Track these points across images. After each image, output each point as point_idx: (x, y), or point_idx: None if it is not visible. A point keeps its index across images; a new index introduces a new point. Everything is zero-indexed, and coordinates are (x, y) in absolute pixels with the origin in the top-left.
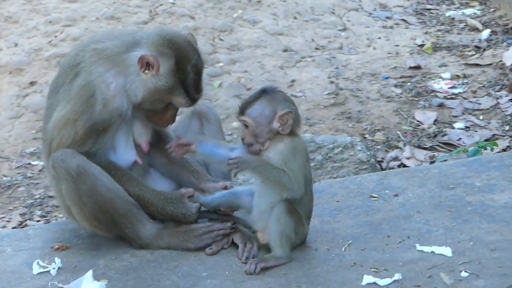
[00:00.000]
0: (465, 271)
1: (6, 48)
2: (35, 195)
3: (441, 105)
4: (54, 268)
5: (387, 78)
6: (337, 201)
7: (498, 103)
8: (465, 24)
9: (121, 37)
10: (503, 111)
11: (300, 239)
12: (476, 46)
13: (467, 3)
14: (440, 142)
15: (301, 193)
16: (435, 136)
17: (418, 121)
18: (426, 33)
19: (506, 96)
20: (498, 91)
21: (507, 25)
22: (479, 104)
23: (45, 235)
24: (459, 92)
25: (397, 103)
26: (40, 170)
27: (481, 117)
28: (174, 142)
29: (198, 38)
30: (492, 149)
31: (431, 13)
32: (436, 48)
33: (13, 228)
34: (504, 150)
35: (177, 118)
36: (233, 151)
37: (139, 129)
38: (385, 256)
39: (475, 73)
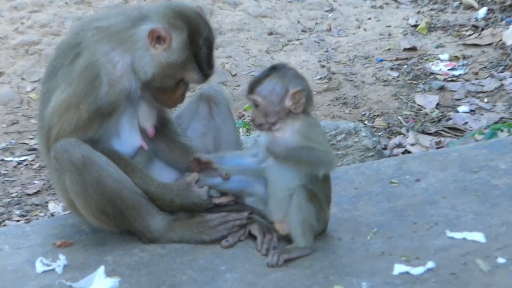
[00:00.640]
0: (502, 257)
1: None
2: (12, 193)
3: (442, 88)
4: (59, 266)
5: (381, 60)
6: (356, 188)
7: (503, 84)
8: (459, 2)
9: (125, 13)
10: (508, 93)
11: (322, 226)
12: (473, 26)
13: None
14: (445, 127)
15: (337, 163)
16: (439, 120)
17: (419, 105)
18: (418, 12)
19: (511, 77)
20: (501, 72)
21: (504, 3)
22: (482, 86)
23: (45, 231)
24: (460, 74)
25: (395, 87)
26: (15, 167)
27: (485, 100)
28: (192, 159)
29: None
30: (509, 131)
31: None
32: (431, 28)
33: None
34: None
35: (183, 104)
36: (255, 156)
37: (144, 112)
38: (414, 244)
39: (475, 54)
